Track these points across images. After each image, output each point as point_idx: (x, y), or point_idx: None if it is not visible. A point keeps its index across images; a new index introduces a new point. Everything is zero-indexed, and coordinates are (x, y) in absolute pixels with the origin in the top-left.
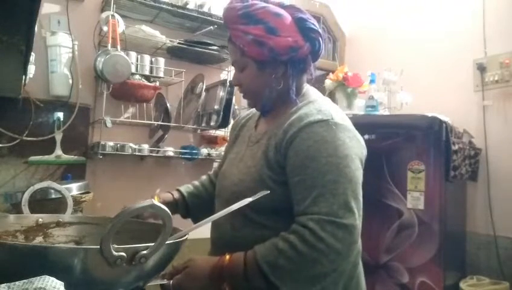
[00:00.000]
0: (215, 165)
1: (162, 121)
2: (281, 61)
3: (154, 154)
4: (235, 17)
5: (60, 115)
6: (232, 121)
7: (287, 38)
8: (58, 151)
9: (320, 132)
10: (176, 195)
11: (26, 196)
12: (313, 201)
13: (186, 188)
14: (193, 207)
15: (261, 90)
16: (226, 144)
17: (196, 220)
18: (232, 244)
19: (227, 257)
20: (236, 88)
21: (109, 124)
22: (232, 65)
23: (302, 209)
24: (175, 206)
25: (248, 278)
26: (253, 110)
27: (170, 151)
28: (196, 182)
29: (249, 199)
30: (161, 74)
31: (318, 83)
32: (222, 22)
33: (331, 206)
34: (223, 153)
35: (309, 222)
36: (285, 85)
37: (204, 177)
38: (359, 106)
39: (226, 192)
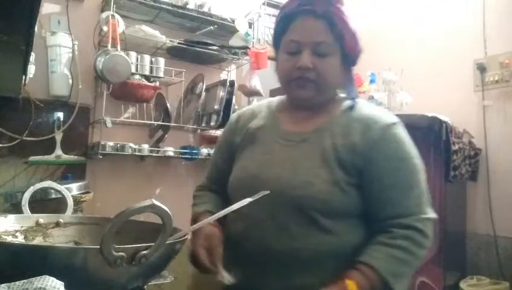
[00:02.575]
0: None
1: (162, 121)
2: (353, 63)
3: (154, 154)
4: None
5: (60, 115)
6: None
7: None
8: (58, 151)
9: (399, 134)
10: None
11: (26, 196)
12: (412, 202)
13: (208, 207)
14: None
15: (333, 83)
16: (225, 145)
17: None
18: (289, 257)
19: (349, 282)
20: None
21: (109, 124)
22: (304, 43)
23: (402, 210)
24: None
25: None
26: (253, 107)
27: (170, 151)
28: (210, 198)
29: (249, 199)
30: (161, 74)
31: None
32: (222, 21)
33: (425, 204)
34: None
35: (417, 224)
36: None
37: (208, 193)
38: None
39: (280, 197)
